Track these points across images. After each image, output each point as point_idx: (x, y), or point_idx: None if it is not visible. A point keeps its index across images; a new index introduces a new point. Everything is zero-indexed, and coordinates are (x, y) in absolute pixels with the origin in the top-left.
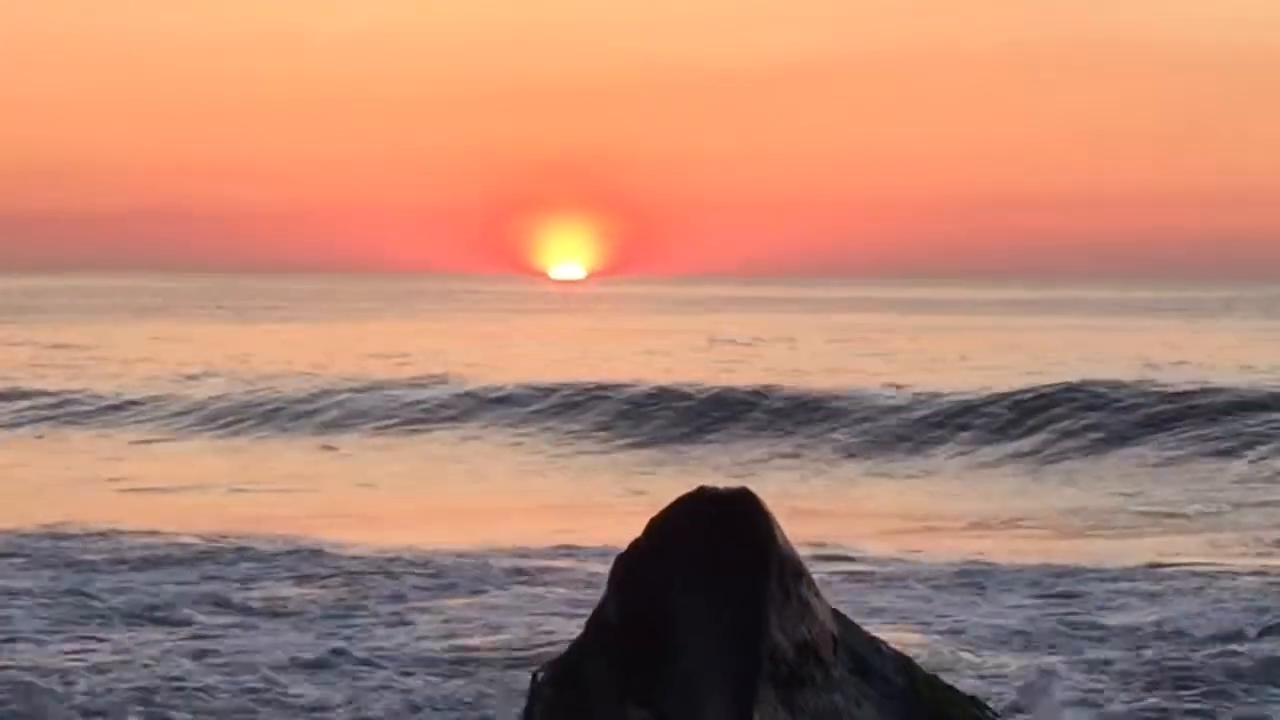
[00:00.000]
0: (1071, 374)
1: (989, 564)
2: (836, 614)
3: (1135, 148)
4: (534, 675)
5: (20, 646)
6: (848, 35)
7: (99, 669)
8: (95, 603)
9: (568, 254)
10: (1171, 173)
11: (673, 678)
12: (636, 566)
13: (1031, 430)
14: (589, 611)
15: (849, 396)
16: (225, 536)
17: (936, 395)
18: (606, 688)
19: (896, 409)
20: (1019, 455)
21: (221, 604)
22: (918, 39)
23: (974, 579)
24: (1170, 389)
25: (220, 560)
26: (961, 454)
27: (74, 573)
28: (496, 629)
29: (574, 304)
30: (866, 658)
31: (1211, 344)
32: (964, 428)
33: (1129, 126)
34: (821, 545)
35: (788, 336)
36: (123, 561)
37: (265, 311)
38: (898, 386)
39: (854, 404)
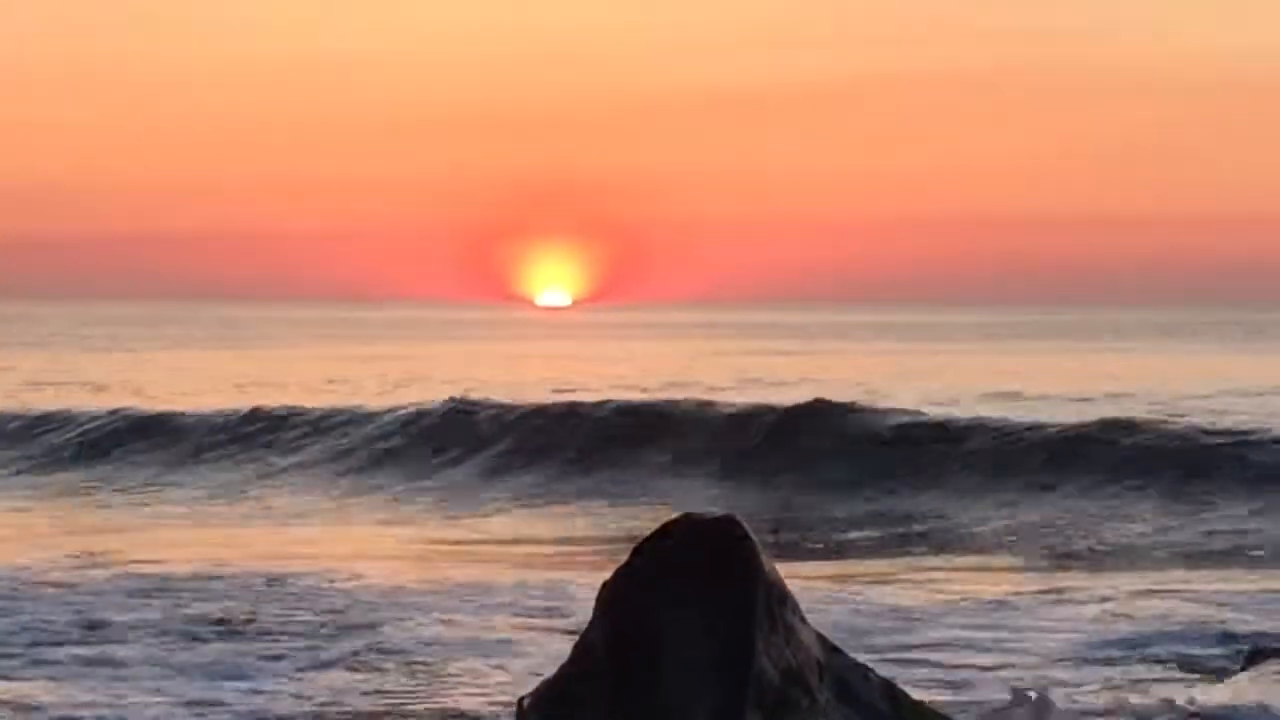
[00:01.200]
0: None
1: None
2: (822, 639)
3: (1125, 171)
4: (519, 701)
5: None
6: (837, 59)
7: None
8: None
9: (554, 281)
10: (1160, 196)
11: (659, 703)
12: (623, 591)
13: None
14: None
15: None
16: None
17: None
18: (593, 712)
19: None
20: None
21: None
22: (906, 63)
23: None
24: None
25: None
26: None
27: None
28: None
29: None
30: (852, 683)
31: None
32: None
33: (1119, 150)
34: None
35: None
36: None
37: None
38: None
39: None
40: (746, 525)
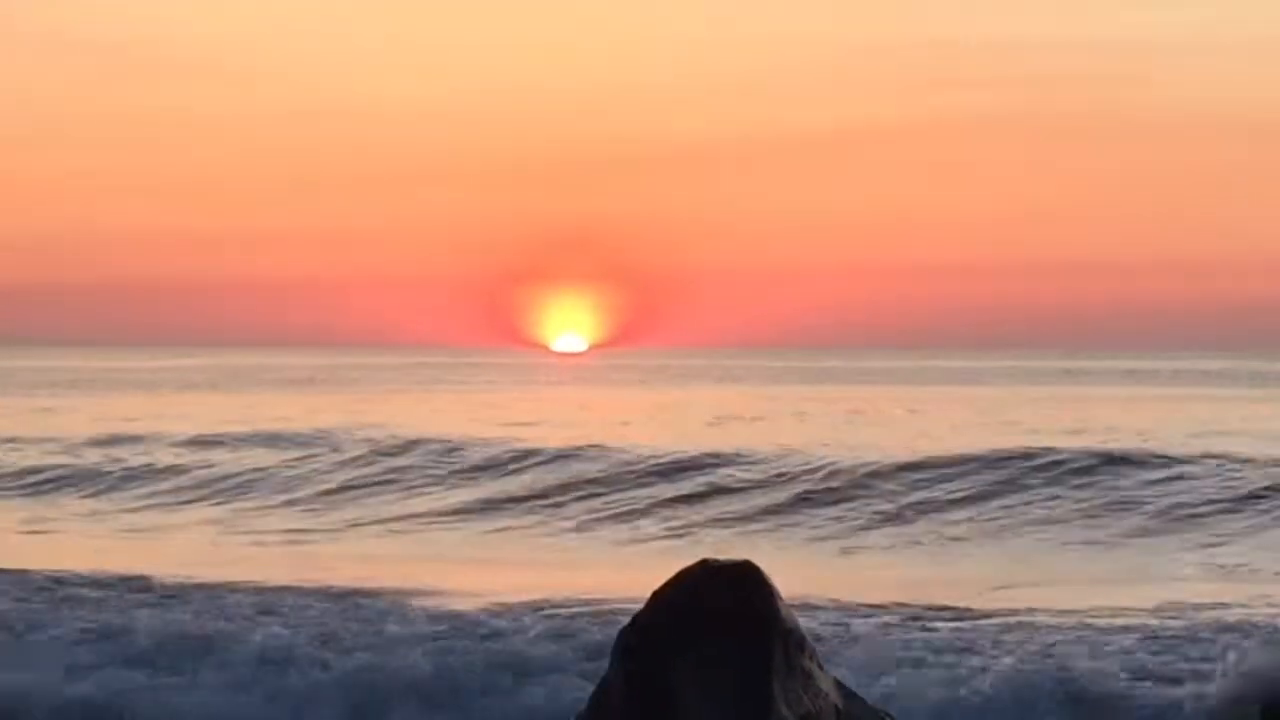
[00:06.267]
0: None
1: None
2: (840, 685)
3: (1138, 216)
4: None
5: None
6: (849, 106)
7: None
8: None
9: (570, 326)
10: (1172, 242)
11: None
12: (640, 639)
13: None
14: None
15: None
16: None
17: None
18: None
19: None
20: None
21: None
22: (919, 110)
23: None
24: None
25: None
26: None
27: None
28: None
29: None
30: None
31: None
32: None
33: (1131, 195)
34: None
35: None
36: None
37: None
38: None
39: None
40: (763, 571)
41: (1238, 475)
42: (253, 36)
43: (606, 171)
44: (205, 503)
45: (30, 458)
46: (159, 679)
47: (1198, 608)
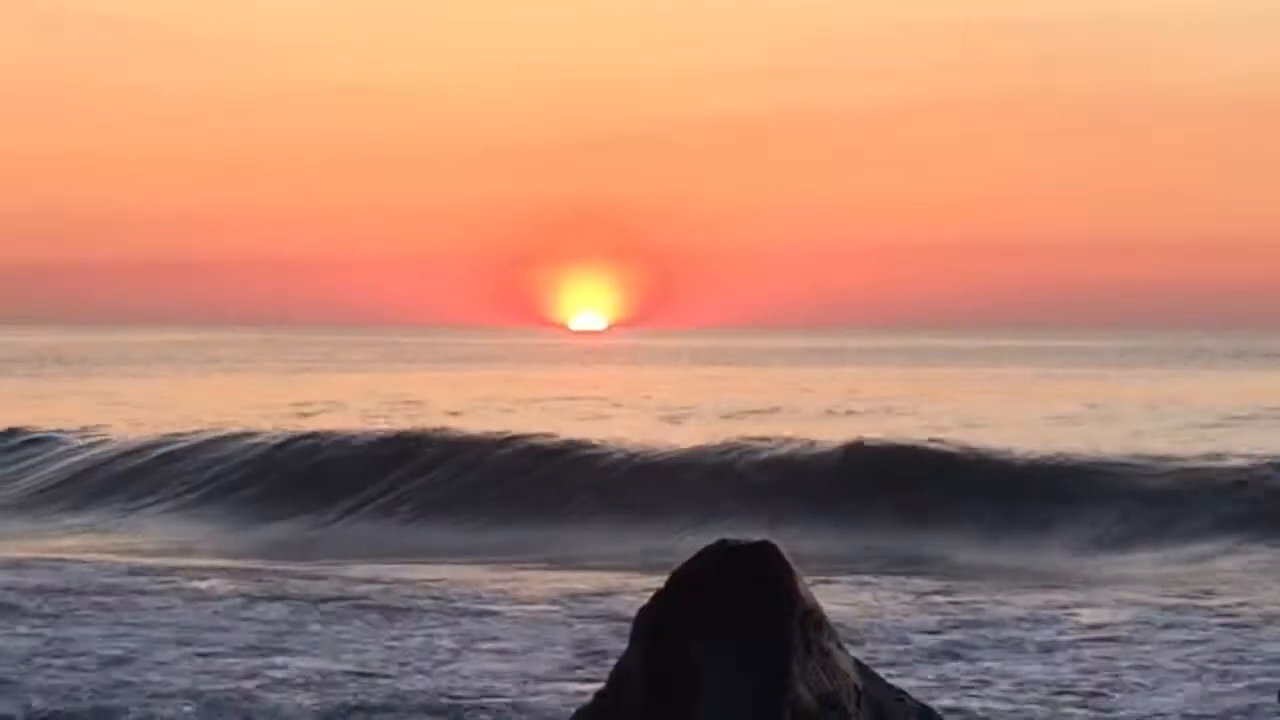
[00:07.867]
0: None
1: None
2: (858, 664)
3: (1142, 197)
4: None
5: None
6: (865, 88)
7: None
8: None
9: (590, 305)
10: (1178, 222)
11: None
12: (658, 619)
13: None
14: None
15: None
16: None
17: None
18: None
19: None
20: None
21: None
22: (936, 90)
23: None
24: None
25: None
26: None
27: None
28: None
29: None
30: (888, 709)
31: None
32: None
33: (1133, 176)
34: None
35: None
36: None
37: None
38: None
39: None
40: (782, 550)
41: None
42: (273, 15)
43: (629, 150)
44: None
45: None
46: None
47: None
